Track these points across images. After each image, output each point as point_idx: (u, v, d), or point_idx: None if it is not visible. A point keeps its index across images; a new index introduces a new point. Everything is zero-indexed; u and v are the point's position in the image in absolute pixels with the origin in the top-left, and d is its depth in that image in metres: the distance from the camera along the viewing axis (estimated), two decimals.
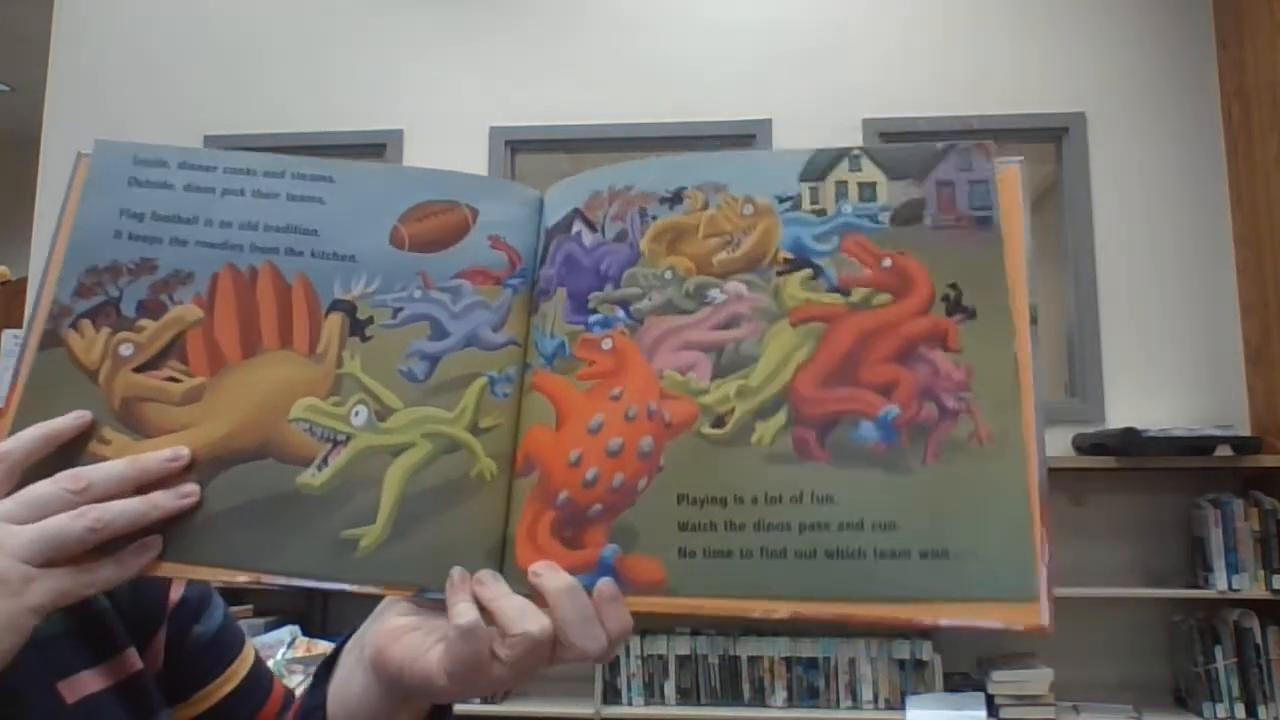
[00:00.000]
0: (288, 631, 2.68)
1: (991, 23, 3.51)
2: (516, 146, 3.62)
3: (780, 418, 0.52)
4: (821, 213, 0.56)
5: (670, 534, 0.51)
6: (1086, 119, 3.39)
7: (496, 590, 0.51)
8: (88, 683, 0.57)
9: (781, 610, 0.49)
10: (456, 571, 0.51)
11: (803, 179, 0.57)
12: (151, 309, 0.56)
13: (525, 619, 0.49)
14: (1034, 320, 0.52)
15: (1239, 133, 3.28)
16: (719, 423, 0.52)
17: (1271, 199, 3.09)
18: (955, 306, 0.53)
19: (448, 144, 3.58)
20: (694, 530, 0.51)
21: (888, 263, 0.54)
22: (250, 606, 3.11)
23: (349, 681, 0.59)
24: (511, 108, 3.60)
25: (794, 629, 3.06)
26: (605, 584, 0.50)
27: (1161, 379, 3.27)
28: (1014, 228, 0.54)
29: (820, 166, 0.57)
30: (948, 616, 0.48)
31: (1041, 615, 0.47)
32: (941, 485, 0.49)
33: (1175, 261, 3.32)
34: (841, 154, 0.57)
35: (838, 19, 3.56)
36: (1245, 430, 3.14)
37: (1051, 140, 3.45)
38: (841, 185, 0.56)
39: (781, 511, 0.50)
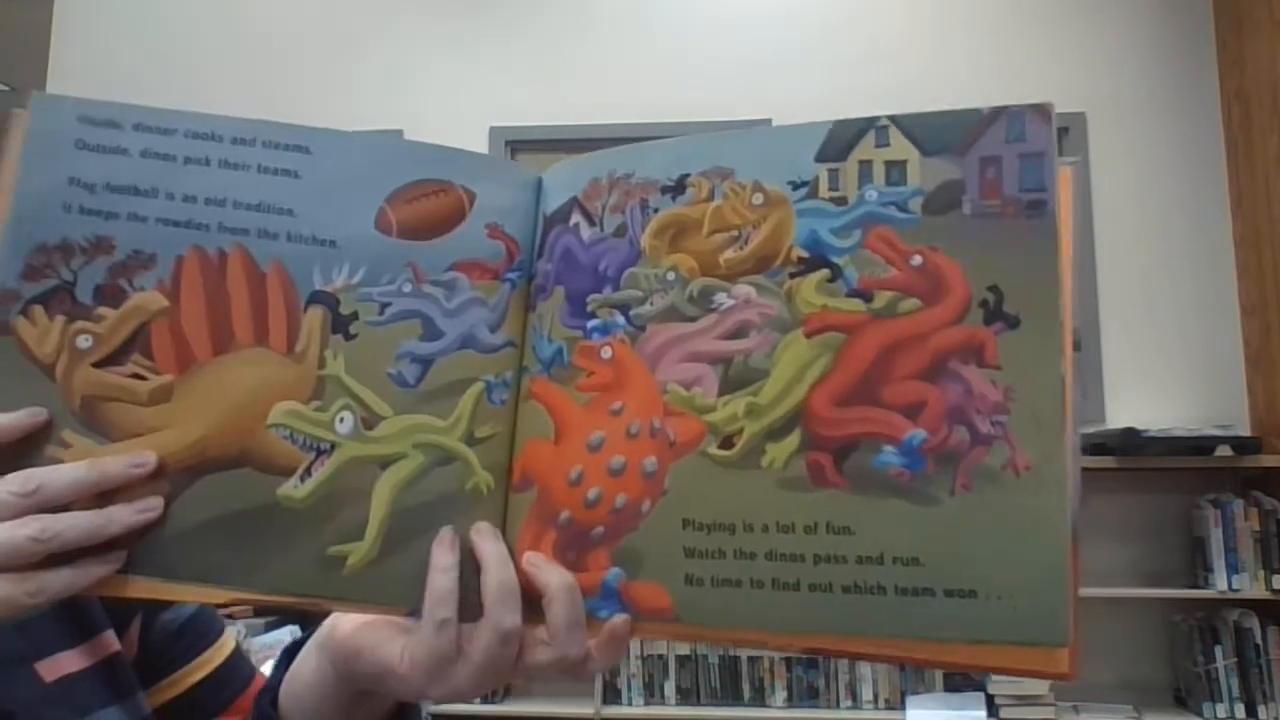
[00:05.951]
0: (288, 631, 2.68)
1: (991, 22, 3.50)
2: (516, 146, 3.61)
3: (793, 440, 0.47)
4: (841, 201, 0.49)
5: (676, 560, 0.48)
6: (1086, 119, 3.38)
7: (493, 548, 0.49)
8: (66, 663, 0.56)
9: (794, 646, 0.46)
10: (446, 531, 0.50)
11: (820, 159, 0.50)
12: (110, 295, 0.49)
13: (503, 607, 0.48)
14: (1076, 346, 0.45)
15: (1239, 133, 3.27)
16: (727, 443, 0.48)
17: (1271, 199, 3.08)
18: (995, 314, 0.46)
19: (448, 144, 3.56)
20: (701, 557, 0.47)
21: (917, 261, 0.47)
22: (250, 606, 3.11)
23: (302, 664, 0.57)
24: (511, 108, 3.58)
25: None
26: (621, 620, 0.48)
27: (1161, 379, 3.26)
28: (1064, 233, 0.46)
29: (841, 142, 0.50)
30: (970, 659, 0.44)
31: (1071, 662, 0.43)
32: (971, 519, 0.44)
33: (1175, 262, 3.31)
34: (867, 125, 0.50)
35: (838, 19, 3.54)
36: (1245, 430, 3.13)
37: None
38: (865, 166, 0.49)
39: (794, 541, 0.46)
